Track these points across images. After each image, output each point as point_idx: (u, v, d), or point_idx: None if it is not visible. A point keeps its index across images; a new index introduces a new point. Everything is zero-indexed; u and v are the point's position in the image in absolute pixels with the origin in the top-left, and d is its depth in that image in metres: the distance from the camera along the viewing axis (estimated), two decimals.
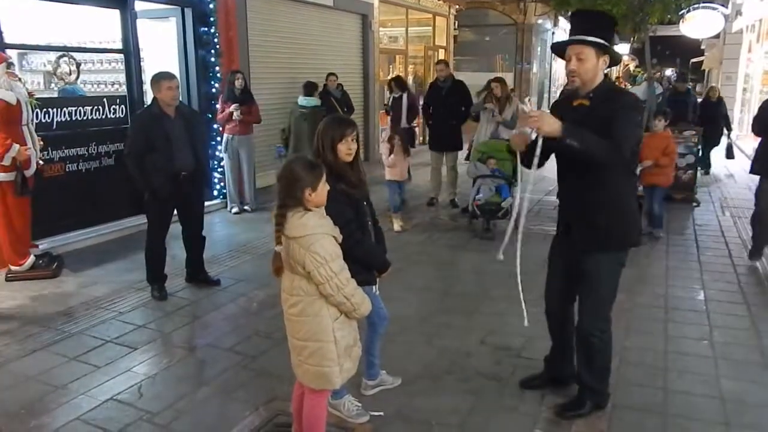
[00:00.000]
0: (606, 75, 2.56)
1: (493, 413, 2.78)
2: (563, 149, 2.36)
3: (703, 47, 26.26)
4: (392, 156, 5.89)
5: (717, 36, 18.64)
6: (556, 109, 2.69)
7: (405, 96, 7.63)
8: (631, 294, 4.19)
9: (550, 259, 2.84)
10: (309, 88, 6.96)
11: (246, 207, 6.69)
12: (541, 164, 2.51)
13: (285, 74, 8.22)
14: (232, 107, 6.26)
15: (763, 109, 4.94)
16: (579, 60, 2.42)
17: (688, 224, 6.34)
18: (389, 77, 9.22)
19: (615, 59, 2.50)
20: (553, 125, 2.31)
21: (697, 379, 3.09)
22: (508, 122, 6.32)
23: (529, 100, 2.68)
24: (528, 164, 2.54)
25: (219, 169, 6.70)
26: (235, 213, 6.60)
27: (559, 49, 2.56)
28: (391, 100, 8.18)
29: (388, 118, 8.20)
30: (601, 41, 2.41)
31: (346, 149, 2.48)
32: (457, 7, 13.61)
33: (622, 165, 2.43)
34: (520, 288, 2.60)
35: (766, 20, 12.43)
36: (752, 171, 5.07)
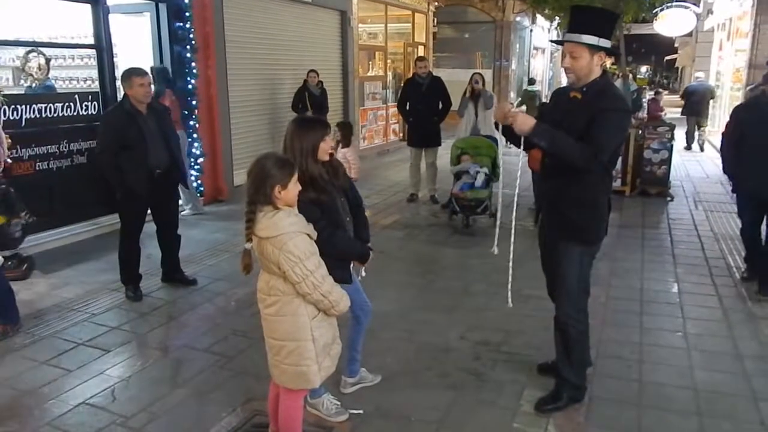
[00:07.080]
0: (605, 71, 2.60)
1: (472, 408, 2.79)
2: (534, 144, 2.51)
3: (676, 45, 26.83)
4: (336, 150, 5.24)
5: (689, 34, 19.05)
6: (555, 96, 2.85)
7: None
8: (606, 287, 4.26)
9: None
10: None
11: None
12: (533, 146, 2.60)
13: (263, 70, 8.11)
14: None
15: None
16: (573, 58, 2.51)
17: (662, 219, 6.45)
18: None
19: (612, 53, 2.61)
20: (524, 124, 2.43)
21: (671, 371, 3.14)
22: (488, 99, 6.69)
23: (511, 96, 2.74)
24: (517, 144, 2.62)
25: (196, 167, 6.58)
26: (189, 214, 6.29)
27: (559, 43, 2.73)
28: None
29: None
30: (593, 43, 2.46)
31: (328, 148, 2.46)
32: (437, 3, 13.63)
33: (598, 168, 2.48)
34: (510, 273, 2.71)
35: (736, 19, 12.72)
36: None
